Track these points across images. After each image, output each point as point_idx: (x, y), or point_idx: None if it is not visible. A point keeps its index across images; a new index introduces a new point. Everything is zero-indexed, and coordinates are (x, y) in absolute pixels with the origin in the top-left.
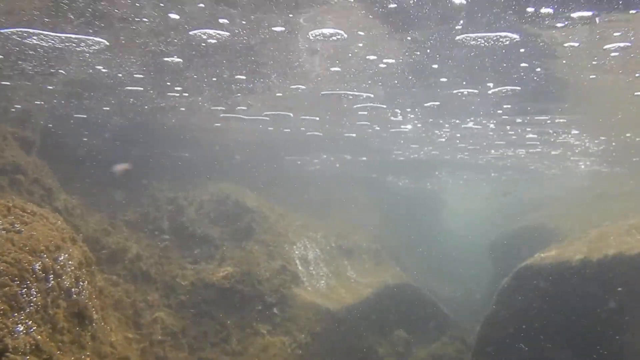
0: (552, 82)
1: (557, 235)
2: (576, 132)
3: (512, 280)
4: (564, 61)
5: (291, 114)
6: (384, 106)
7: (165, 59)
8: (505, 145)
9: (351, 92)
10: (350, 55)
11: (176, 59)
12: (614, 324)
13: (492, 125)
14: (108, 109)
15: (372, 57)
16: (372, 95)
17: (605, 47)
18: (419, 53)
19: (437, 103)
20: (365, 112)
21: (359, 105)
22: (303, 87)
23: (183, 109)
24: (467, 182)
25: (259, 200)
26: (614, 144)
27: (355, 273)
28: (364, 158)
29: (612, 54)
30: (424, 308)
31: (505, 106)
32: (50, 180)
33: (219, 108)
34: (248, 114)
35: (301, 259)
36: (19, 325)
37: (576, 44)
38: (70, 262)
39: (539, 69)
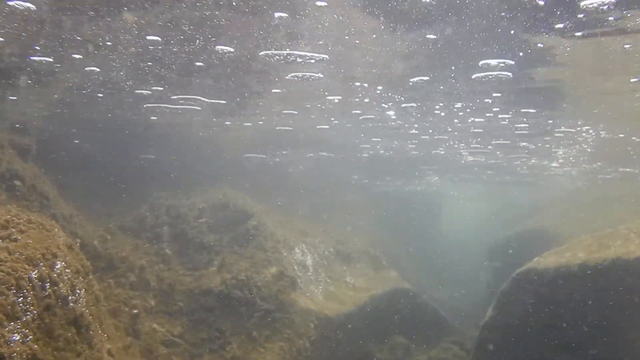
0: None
1: (556, 238)
2: (587, 127)
3: (510, 285)
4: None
5: (204, 99)
6: (320, 76)
7: (9, 2)
8: (496, 141)
9: (298, 53)
10: None
11: (25, 3)
12: (613, 329)
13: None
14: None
15: None
16: (327, 57)
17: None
18: None
19: (426, 78)
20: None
21: (302, 74)
22: (231, 49)
23: (101, 95)
24: (464, 184)
25: (258, 206)
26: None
27: (353, 278)
28: (332, 154)
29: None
30: (423, 313)
31: (494, 95)
32: (47, 187)
33: (144, 91)
34: (171, 101)
35: (300, 265)
36: (15, 335)
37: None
38: (67, 270)
39: (579, 33)
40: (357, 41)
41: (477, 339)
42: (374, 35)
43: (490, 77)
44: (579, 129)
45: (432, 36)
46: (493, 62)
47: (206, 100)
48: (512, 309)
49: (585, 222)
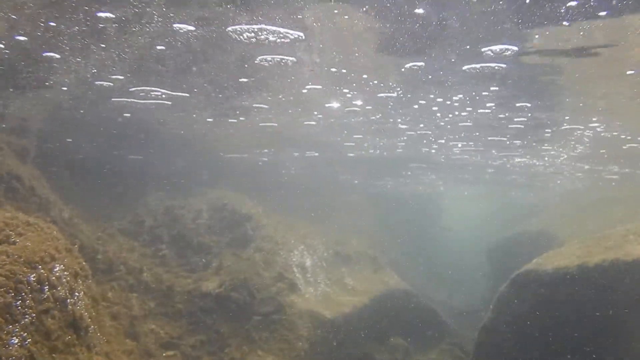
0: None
1: (555, 239)
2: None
3: (509, 287)
4: None
5: (165, 90)
6: (293, 60)
7: None
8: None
9: (271, 28)
10: None
11: None
12: (612, 330)
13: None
14: None
15: None
16: (302, 36)
17: None
18: None
19: (421, 64)
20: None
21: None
22: (191, 27)
23: (65, 88)
24: (462, 184)
25: (256, 207)
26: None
27: (353, 280)
28: (316, 154)
29: None
30: (423, 315)
31: (492, 88)
32: (46, 189)
33: (104, 83)
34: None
35: (299, 267)
36: (14, 338)
37: None
38: (65, 273)
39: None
40: (347, 16)
41: (476, 340)
42: (365, 8)
43: (485, 69)
44: (577, 126)
45: (420, 10)
46: (496, 47)
47: (169, 92)
48: (512, 311)
49: (584, 223)
